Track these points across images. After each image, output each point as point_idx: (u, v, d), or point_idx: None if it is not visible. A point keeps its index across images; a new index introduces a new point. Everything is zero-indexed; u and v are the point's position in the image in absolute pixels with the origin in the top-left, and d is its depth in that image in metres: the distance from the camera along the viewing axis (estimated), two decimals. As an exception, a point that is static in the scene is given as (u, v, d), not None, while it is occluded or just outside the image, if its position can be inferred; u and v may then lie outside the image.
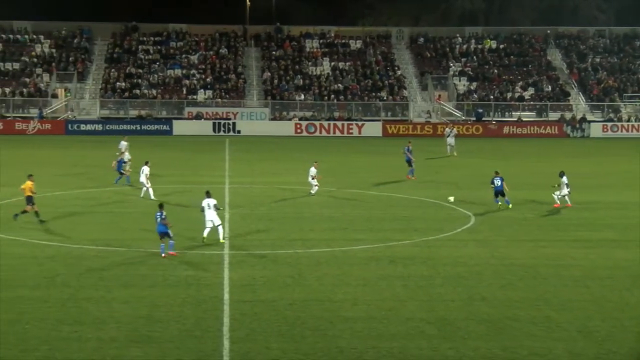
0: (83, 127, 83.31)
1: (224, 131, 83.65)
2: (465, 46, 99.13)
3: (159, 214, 32.11)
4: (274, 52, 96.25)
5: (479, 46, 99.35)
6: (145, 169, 44.95)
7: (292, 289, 28.14)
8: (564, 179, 42.50)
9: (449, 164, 60.96)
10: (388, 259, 32.29)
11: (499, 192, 42.55)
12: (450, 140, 66.91)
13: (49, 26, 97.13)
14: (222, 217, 39.19)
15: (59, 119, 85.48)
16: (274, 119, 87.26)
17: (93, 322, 24.37)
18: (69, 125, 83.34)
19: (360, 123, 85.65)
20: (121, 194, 46.06)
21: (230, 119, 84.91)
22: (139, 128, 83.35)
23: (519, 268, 31.13)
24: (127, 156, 51.53)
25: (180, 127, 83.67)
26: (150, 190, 44.57)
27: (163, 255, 31.62)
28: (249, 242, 34.81)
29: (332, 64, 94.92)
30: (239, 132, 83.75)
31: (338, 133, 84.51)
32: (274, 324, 24.38)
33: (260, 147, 72.83)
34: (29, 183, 37.70)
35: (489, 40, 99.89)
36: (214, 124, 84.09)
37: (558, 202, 42.68)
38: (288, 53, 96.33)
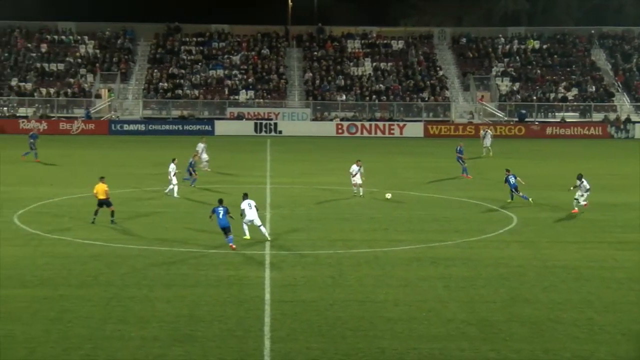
0: (126, 127, 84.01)
1: (266, 131, 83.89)
2: (508, 46, 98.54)
3: (221, 209, 33.19)
4: (315, 53, 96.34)
5: (522, 46, 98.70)
6: (172, 167, 45.53)
7: (332, 289, 28.13)
8: (585, 183, 41.36)
9: (491, 165, 60.56)
10: (429, 259, 32.18)
11: (514, 189, 43.35)
12: (487, 142, 66.53)
13: (93, 27, 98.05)
14: (263, 218, 39.35)
15: (102, 119, 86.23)
16: (315, 119, 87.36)
17: (136, 321, 24.55)
18: (112, 126, 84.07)
19: (401, 123, 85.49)
20: (163, 194, 46.30)
21: (271, 119, 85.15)
22: (181, 128, 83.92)
23: (561, 270, 30.88)
24: (205, 157, 52.78)
25: (222, 128, 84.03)
26: (175, 188, 45.19)
27: (233, 246, 32.87)
28: (290, 242, 34.85)
29: (374, 64, 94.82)
30: (280, 132, 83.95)
31: (379, 133, 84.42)
32: (315, 324, 24.39)
33: (301, 148, 72.94)
34: (102, 185, 37.48)
35: (532, 40, 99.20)
36: (255, 124, 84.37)
37: (576, 207, 41.59)
38: (330, 53, 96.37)
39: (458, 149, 54.80)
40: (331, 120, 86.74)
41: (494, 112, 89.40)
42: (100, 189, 37.33)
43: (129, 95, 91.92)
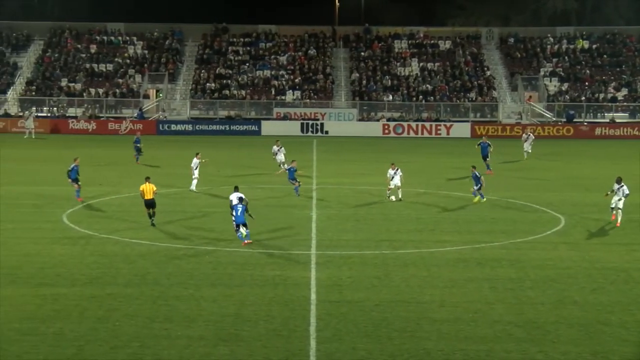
0: (173, 127, 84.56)
1: (312, 132, 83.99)
2: (556, 46, 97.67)
3: (240, 206, 33.81)
4: (362, 53, 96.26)
5: (571, 46, 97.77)
6: (195, 161, 47.15)
7: (378, 289, 28.08)
8: (624, 188, 38.46)
9: (539, 165, 60.05)
10: (476, 261, 31.99)
11: (478, 185, 43.81)
12: (527, 147, 64.30)
13: (142, 28, 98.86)
14: (308, 218, 39.44)
15: (150, 119, 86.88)
16: (361, 119, 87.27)
17: (182, 320, 24.69)
18: (160, 126, 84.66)
19: (448, 124, 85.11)
20: (210, 194, 46.54)
21: (318, 120, 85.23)
22: (228, 128, 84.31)
23: (610, 271, 30.54)
24: (280, 157, 54.14)
25: (269, 128, 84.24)
26: (194, 182, 46.80)
27: (245, 242, 33.43)
28: (336, 242, 34.84)
29: (421, 64, 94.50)
30: (326, 132, 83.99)
31: (426, 134, 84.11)
32: (361, 325, 24.36)
33: (347, 148, 72.91)
34: (149, 186, 37.23)
35: (581, 40, 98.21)
36: (301, 124, 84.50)
37: (614, 212, 39.02)
38: (376, 54, 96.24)
39: (483, 143, 56.34)
40: (377, 120, 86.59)
41: (542, 112, 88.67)
42: (148, 189, 37.14)
43: (176, 96, 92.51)
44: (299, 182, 46.23)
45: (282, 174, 52.02)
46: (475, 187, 43.95)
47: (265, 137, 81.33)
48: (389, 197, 44.64)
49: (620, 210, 38.54)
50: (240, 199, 34.59)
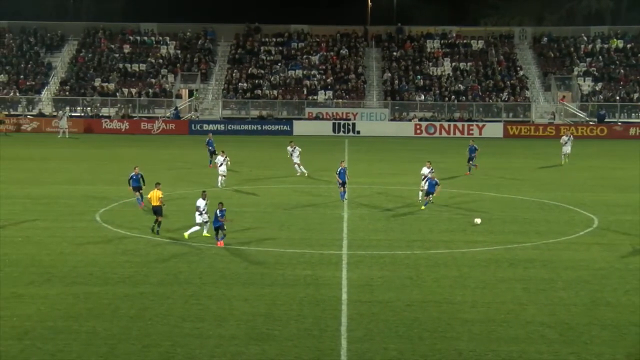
0: (206, 127, 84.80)
1: (344, 131, 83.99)
2: (590, 46, 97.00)
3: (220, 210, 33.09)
4: (394, 53, 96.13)
5: (605, 46, 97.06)
6: (219, 159, 48.31)
7: (410, 290, 28.02)
8: None
9: (572, 166, 59.68)
10: (508, 261, 31.84)
11: (343, 183, 42.84)
12: (566, 149, 60.56)
13: (174, 28, 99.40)
14: (340, 218, 39.45)
15: (182, 119, 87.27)
16: (393, 119, 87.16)
17: (214, 319, 24.77)
18: (192, 126, 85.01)
19: (481, 124, 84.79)
20: (241, 193, 46.68)
21: (350, 120, 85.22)
22: (260, 128, 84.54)
23: (644, 273, 30.28)
24: (295, 159, 53.76)
25: (301, 127, 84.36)
26: (220, 179, 48.07)
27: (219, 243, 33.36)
28: (367, 242, 34.81)
29: (453, 64, 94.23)
30: (358, 132, 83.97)
31: (458, 134, 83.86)
32: (392, 325, 24.32)
33: (379, 148, 72.82)
34: (157, 192, 35.83)
35: (615, 39, 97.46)
36: (333, 124, 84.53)
37: None
38: (409, 53, 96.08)
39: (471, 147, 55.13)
40: (409, 120, 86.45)
41: (575, 112, 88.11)
42: (154, 196, 35.62)
43: (209, 96, 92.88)
44: (344, 188, 43.86)
45: (301, 175, 52.33)
46: (341, 186, 43.26)
47: (297, 137, 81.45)
48: (420, 198, 43.30)
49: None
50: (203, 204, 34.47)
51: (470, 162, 54.93)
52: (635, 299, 27.08)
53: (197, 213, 34.67)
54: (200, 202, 34.64)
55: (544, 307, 26.15)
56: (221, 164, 48.12)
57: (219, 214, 33.13)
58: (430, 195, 41.48)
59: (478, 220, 38.24)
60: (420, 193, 43.60)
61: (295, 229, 37.47)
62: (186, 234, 34.63)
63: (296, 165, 53.82)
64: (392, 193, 47.49)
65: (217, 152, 55.74)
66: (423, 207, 41.66)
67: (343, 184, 43.70)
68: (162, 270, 30.06)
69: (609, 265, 31.33)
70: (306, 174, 53.11)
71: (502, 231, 37.42)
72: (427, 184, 41.63)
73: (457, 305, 26.33)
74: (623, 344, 22.98)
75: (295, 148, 54.42)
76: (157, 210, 35.71)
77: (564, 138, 61.12)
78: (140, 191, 41.02)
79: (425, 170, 43.25)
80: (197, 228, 34.66)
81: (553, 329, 24.13)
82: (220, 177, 48.13)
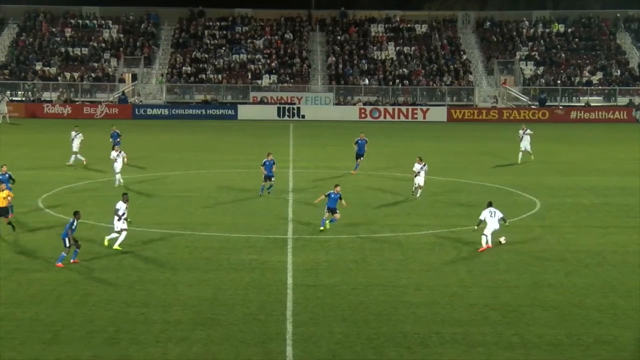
0: (149, 111, 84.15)
1: (289, 116, 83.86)
2: (532, 30, 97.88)
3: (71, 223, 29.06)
4: (338, 37, 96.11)
5: (547, 30, 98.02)
6: (114, 154, 43.80)
7: (355, 273, 28.16)
8: (498, 213, 31.96)
9: (514, 149, 60.28)
10: (452, 244, 32.14)
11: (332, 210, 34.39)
12: (525, 145, 53.64)
13: (117, 11, 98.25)
14: (285, 202, 39.46)
15: (126, 103, 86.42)
16: (338, 103, 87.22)
17: (159, 304, 24.68)
18: (136, 110, 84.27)
19: (424, 108, 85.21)
20: (186, 178, 46.45)
21: (294, 104, 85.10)
22: (204, 113, 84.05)
23: (585, 255, 30.76)
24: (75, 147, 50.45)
25: (245, 112, 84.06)
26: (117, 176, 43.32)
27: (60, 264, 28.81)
28: (313, 227, 34.85)
29: (397, 48, 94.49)
30: (303, 116, 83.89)
31: (402, 118, 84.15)
32: (337, 309, 24.43)
33: (324, 132, 72.90)
34: (2, 192, 32.62)
35: (556, 24, 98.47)
36: (278, 108, 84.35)
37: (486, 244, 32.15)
38: (353, 38, 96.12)
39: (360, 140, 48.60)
40: (354, 104, 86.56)
41: (517, 96, 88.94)
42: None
43: (152, 80, 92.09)
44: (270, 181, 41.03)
45: (76, 164, 49.53)
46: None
47: (241, 122, 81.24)
48: (413, 193, 41.20)
49: (490, 239, 31.71)
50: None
51: (361, 158, 48.14)
52: (577, 280, 27.51)
53: (116, 218, 30.98)
54: (120, 205, 31.18)
55: (487, 290, 26.46)
56: (116, 161, 43.31)
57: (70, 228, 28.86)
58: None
59: (503, 239, 32.87)
60: (413, 189, 41.29)
61: (240, 213, 37.41)
62: (106, 240, 31.32)
63: (73, 156, 50.26)
64: (337, 177, 47.55)
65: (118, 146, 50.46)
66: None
67: (269, 177, 40.95)
68: (106, 256, 29.84)
69: (550, 247, 31.78)
70: (84, 162, 48.85)
71: (446, 214, 37.74)
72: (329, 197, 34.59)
73: (402, 288, 26.53)
74: (565, 325, 23.34)
75: (78, 134, 50.92)
76: (3, 212, 32.50)
77: (520, 132, 54.83)
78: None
79: (416, 167, 40.98)
80: (116, 235, 31.02)
81: (496, 310, 24.43)
82: (118, 175, 43.36)
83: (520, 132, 54.41)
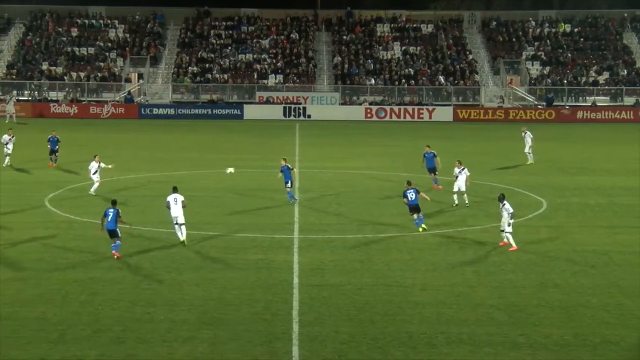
0: (155, 111, 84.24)
1: (294, 116, 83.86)
2: (538, 30, 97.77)
3: (112, 210, 29.72)
4: (344, 37, 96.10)
5: (553, 30, 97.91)
6: (94, 164, 41.54)
7: (361, 273, 28.14)
8: (507, 205, 31.60)
9: (520, 149, 60.20)
10: (458, 244, 32.10)
11: (414, 208, 34.01)
12: (528, 149, 52.96)
13: (123, 11, 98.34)
14: (287, 202, 39.40)
15: (132, 103, 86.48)
16: (344, 103, 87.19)
17: (165, 303, 24.69)
18: (142, 110, 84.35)
19: (430, 108, 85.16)
20: (194, 178, 46.48)
21: (300, 104, 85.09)
22: (210, 112, 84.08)
23: (592, 254, 30.70)
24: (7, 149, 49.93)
25: (251, 112, 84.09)
26: (95, 185, 41.45)
27: (117, 254, 29.51)
28: (319, 227, 34.86)
29: (403, 48, 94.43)
30: (309, 116, 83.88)
31: (408, 118, 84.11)
32: (343, 308, 24.42)
33: (330, 132, 72.90)
34: None
35: (563, 24, 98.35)
36: (284, 108, 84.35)
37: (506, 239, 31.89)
38: (359, 37, 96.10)
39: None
40: (360, 104, 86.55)
41: (524, 96, 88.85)
42: None
43: (158, 80, 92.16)
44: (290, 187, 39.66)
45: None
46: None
47: (247, 121, 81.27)
48: (456, 204, 39.13)
49: (509, 235, 31.41)
50: (179, 201, 31.34)
51: (435, 172, 44.03)
52: (583, 280, 27.46)
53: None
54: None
55: (493, 290, 26.42)
56: (95, 171, 41.14)
57: (112, 215, 29.61)
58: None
59: (231, 170, 38.39)
60: (455, 197, 39.21)
61: (245, 213, 37.42)
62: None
63: (7, 158, 49.73)
64: (343, 177, 47.59)
65: (56, 152, 50.14)
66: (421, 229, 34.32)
67: (288, 183, 39.38)
68: (112, 255, 29.81)
69: (557, 248, 31.73)
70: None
71: (452, 214, 37.69)
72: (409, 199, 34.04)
73: (407, 288, 26.51)
74: (571, 325, 23.29)
75: (12, 137, 50.30)
76: None
77: (522, 134, 54.09)
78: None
79: (456, 171, 39.34)
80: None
81: (502, 311, 24.39)
82: (96, 184, 41.19)
83: (522, 134, 53.67)
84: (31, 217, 35.85)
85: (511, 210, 31.28)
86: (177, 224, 31.41)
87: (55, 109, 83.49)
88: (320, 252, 30.79)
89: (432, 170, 43.38)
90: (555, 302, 25.21)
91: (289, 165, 39.65)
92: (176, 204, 31.36)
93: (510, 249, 30.89)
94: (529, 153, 53.05)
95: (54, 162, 50.11)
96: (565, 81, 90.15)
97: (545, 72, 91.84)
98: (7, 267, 28.37)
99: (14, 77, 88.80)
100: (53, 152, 50.23)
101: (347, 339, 22.08)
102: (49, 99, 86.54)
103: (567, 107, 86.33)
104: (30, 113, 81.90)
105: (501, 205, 31.43)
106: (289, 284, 26.69)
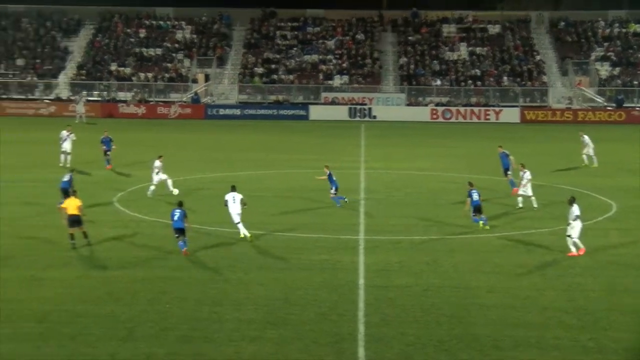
0: (222, 111, 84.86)
1: (360, 116, 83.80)
2: (608, 30, 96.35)
3: (178, 211, 30.28)
4: (410, 37, 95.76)
5: (623, 30, 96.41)
6: (158, 163, 41.50)
7: (426, 275, 28.02)
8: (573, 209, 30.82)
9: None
10: (525, 246, 31.78)
11: (478, 208, 34.52)
12: (588, 150, 52.28)
13: (190, 12, 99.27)
14: (357, 203, 39.41)
15: (199, 103, 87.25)
16: (409, 104, 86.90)
17: (231, 303, 24.84)
18: (209, 110, 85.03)
19: (497, 109, 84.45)
20: (256, 178, 46.71)
21: (366, 104, 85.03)
22: (276, 113, 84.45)
23: (663, 258, 30.18)
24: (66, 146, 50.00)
25: (317, 112, 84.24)
26: (152, 188, 41.46)
27: (186, 252, 30.02)
28: (384, 227, 34.78)
29: (470, 49, 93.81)
30: (374, 117, 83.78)
31: (475, 119, 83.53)
32: (409, 310, 24.33)
33: (395, 133, 72.70)
34: (74, 200, 31.47)
35: (633, 24, 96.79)
36: (349, 109, 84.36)
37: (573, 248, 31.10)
38: (425, 38, 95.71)
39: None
40: (426, 105, 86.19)
41: (593, 97, 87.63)
42: (72, 205, 31.20)
43: (224, 80, 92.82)
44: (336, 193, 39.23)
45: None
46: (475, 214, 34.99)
47: (313, 122, 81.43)
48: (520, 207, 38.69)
49: (576, 240, 30.52)
50: (236, 198, 32.08)
51: (509, 173, 42.99)
52: (654, 284, 27.02)
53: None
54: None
55: (561, 293, 26.10)
56: (158, 171, 41.13)
57: (178, 215, 30.17)
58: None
59: (520, 204, 38.00)
60: (519, 200, 38.73)
61: (311, 213, 37.49)
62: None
63: (63, 155, 49.81)
64: (409, 178, 47.43)
65: (109, 153, 49.95)
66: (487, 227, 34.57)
67: (332, 189, 38.91)
68: (180, 254, 30.11)
69: (626, 251, 31.25)
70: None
71: (519, 217, 37.32)
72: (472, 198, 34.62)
73: (474, 290, 26.32)
74: (641, 330, 22.94)
75: (70, 134, 50.24)
76: (77, 220, 30.96)
77: (581, 138, 53.34)
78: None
79: (520, 174, 38.78)
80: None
81: (571, 314, 24.09)
82: (152, 187, 41.20)
83: (580, 138, 52.86)
84: (99, 216, 36.15)
85: (577, 213, 30.52)
86: (236, 222, 31.97)
87: (123, 109, 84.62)
88: (386, 253, 30.73)
89: (507, 170, 42.74)
90: (625, 306, 24.81)
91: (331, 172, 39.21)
92: (234, 202, 32.07)
93: (569, 254, 30.28)
94: (593, 156, 52.00)
95: (109, 162, 49.80)
96: (636, 82, 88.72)
97: (615, 72, 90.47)
98: (77, 266, 28.82)
99: (83, 77, 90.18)
100: (107, 152, 50.07)
101: (413, 341, 21.99)
102: (118, 99, 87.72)
103: (638, 108, 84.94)
104: (99, 113, 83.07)
105: (570, 208, 30.81)
106: (355, 285, 26.68)
